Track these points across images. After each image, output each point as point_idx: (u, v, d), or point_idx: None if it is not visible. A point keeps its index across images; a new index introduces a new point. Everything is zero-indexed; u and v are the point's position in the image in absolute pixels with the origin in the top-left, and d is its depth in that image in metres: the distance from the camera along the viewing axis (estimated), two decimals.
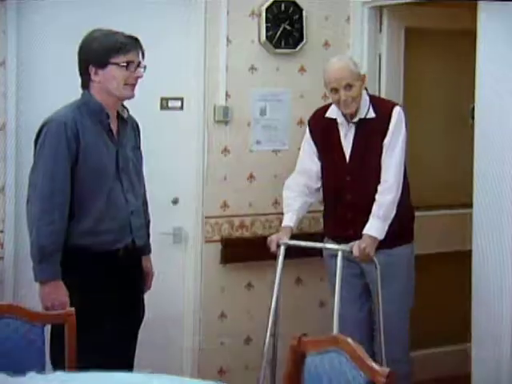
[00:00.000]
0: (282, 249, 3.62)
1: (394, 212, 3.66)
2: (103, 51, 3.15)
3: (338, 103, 3.69)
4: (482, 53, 3.87)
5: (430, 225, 4.80)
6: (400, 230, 3.74)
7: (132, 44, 3.19)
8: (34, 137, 3.25)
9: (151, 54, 3.37)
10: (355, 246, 3.56)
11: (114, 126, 3.25)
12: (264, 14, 4.42)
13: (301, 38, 4.54)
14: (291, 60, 4.55)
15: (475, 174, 3.93)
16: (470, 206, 4.01)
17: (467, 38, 4.11)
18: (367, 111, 3.72)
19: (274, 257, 3.76)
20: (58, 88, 3.84)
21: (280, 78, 4.56)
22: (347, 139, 3.75)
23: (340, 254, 3.55)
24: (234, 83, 4.42)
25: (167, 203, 4.34)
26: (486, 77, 3.86)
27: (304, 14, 4.55)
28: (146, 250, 3.48)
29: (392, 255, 3.77)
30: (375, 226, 3.63)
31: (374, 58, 4.70)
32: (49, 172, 3.12)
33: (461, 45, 4.60)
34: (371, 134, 3.69)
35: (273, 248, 3.65)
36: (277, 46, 4.48)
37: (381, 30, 4.71)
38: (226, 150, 4.47)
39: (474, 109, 4.01)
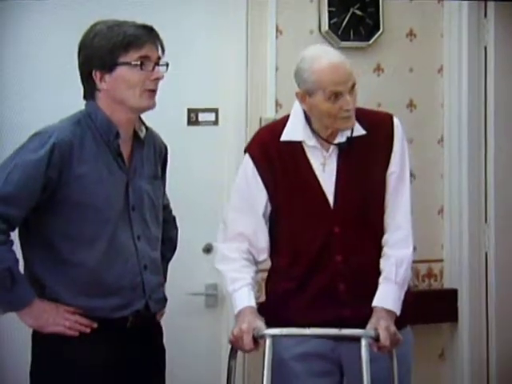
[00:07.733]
0: (269, 342, 2.85)
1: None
2: (108, 49, 2.84)
3: (334, 117, 2.99)
4: None
5: None
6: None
7: (146, 35, 2.86)
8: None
9: (174, 52, 3.05)
10: (383, 330, 2.84)
11: (125, 149, 2.93)
12: None
13: (376, 27, 4.24)
14: (363, 56, 4.27)
15: None
16: None
17: None
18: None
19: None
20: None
21: None
22: (327, 171, 3.09)
23: (364, 342, 2.81)
24: (286, 89, 3.99)
25: (197, 252, 3.98)
26: None
27: None
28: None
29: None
30: (392, 295, 2.96)
31: (478, 52, 4.35)
32: (14, 175, 2.77)
33: None
34: (365, 159, 3.08)
35: (248, 345, 2.87)
36: (344, 37, 4.19)
37: (486, 15, 4.36)
38: None
39: None
